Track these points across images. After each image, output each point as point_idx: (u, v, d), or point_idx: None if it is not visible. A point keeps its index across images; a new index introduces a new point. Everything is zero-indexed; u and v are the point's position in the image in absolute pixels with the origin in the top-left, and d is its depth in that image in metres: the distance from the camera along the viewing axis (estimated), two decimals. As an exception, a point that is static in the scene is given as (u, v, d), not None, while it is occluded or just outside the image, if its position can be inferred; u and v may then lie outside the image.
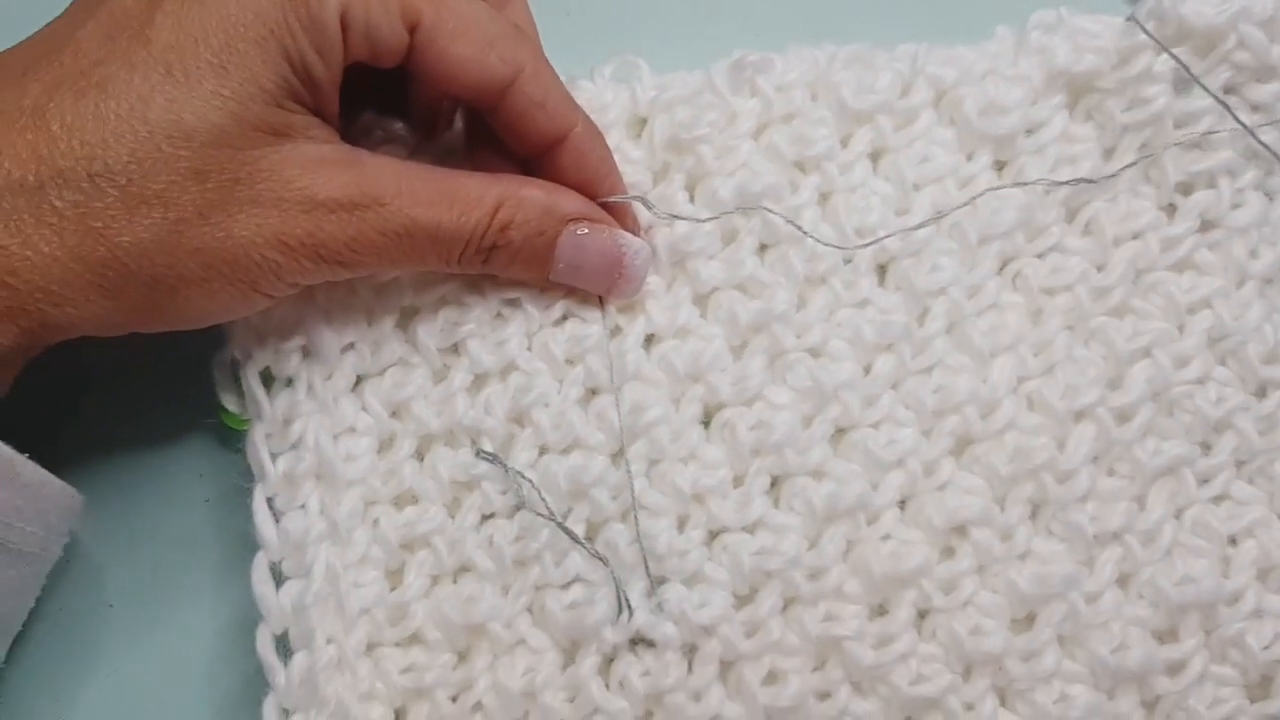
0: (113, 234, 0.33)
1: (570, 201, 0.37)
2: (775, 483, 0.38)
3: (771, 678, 0.37)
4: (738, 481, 0.38)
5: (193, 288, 0.34)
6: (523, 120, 0.36)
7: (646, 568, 0.37)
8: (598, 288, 0.39)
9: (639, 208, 0.39)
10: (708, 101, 0.40)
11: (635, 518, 0.37)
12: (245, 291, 0.35)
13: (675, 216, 0.39)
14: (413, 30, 0.35)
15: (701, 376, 0.39)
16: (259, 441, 0.38)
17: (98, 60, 0.33)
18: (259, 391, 0.38)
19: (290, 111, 0.34)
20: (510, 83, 0.36)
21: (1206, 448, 0.39)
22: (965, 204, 0.39)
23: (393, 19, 0.34)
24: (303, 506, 0.38)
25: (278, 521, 0.38)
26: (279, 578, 0.37)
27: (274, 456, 0.38)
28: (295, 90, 0.34)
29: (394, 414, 0.39)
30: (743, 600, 0.38)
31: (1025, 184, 0.40)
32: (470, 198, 0.36)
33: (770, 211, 0.39)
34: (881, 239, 0.39)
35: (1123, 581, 0.38)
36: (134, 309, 0.34)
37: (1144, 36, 0.39)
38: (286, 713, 0.36)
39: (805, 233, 0.39)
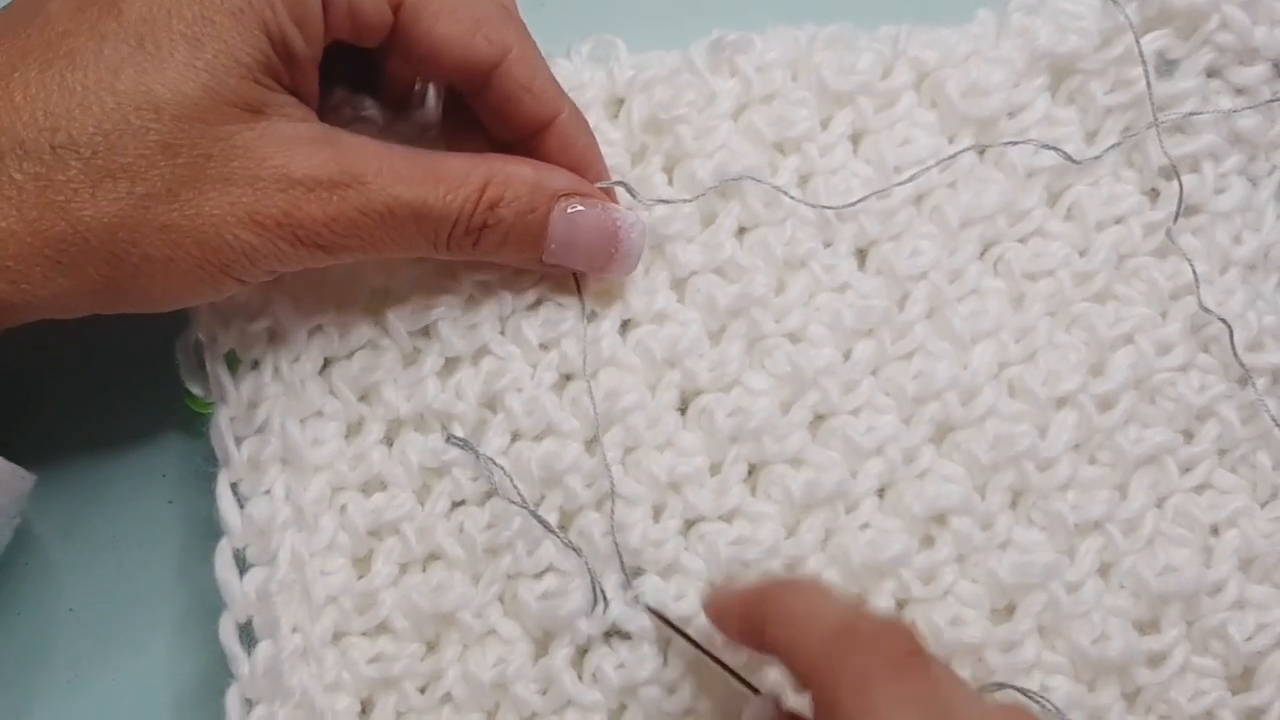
0: (75, 208, 0.32)
1: (559, 178, 0.36)
2: (753, 470, 0.38)
3: (747, 669, 0.36)
4: (715, 469, 0.38)
5: (158, 268, 0.33)
6: (508, 103, 0.36)
7: (621, 561, 0.36)
8: (592, 266, 0.37)
9: (621, 194, 0.38)
10: (686, 81, 0.39)
11: (613, 507, 0.37)
12: (214, 275, 0.33)
13: (658, 201, 0.38)
14: (397, 8, 0.34)
15: (678, 362, 0.38)
16: (223, 425, 0.37)
17: (66, 32, 0.32)
18: (223, 374, 0.38)
19: (266, 88, 0.33)
20: (497, 64, 0.35)
21: (1189, 436, 0.39)
22: (948, 157, 0.39)
23: None
24: (268, 492, 0.37)
25: (242, 507, 0.37)
26: (243, 565, 0.37)
27: (239, 441, 0.37)
28: (273, 66, 0.33)
29: (362, 398, 0.38)
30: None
31: (1012, 143, 0.39)
32: (455, 176, 0.35)
33: (756, 181, 0.38)
34: (865, 198, 0.38)
35: (1104, 571, 0.38)
36: (94, 289, 0.33)
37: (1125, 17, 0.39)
38: (250, 703, 0.36)
39: (794, 198, 0.38)
